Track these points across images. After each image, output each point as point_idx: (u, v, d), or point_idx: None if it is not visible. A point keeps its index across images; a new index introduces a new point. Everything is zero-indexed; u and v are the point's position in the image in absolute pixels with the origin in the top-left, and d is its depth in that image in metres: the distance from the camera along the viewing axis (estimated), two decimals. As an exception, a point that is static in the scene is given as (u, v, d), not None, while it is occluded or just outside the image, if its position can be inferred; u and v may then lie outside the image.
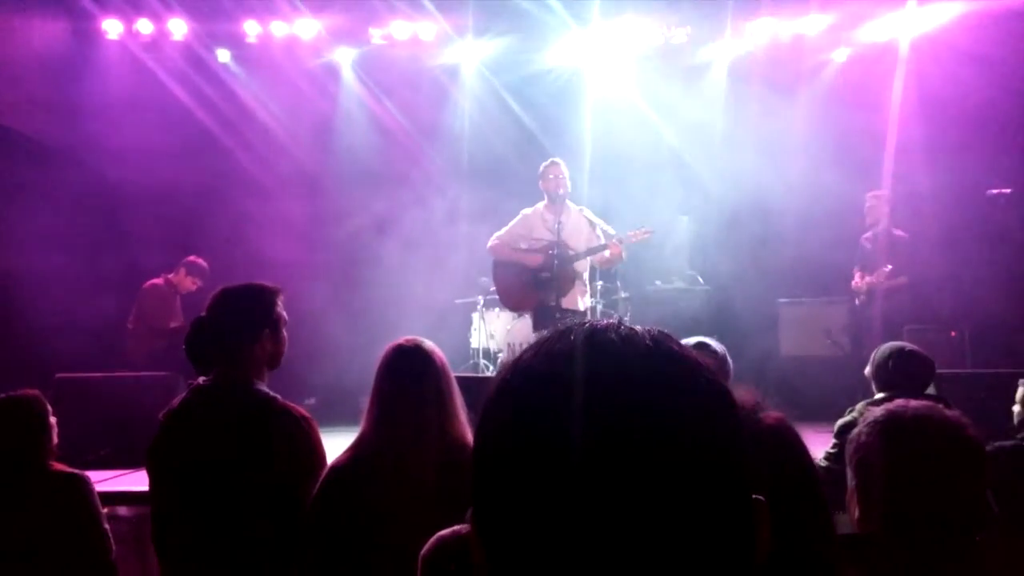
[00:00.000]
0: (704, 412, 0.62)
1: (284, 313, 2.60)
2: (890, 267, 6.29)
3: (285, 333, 2.60)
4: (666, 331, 0.67)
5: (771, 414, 1.23)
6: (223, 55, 7.92)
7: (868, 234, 6.70)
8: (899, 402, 1.59)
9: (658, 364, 0.63)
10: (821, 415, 4.94)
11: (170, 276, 6.65)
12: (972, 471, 1.49)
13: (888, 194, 6.62)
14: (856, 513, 1.56)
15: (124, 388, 5.19)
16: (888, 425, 1.53)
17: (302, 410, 2.48)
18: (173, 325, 6.45)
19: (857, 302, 6.73)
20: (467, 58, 8.04)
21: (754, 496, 0.64)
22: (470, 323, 7.35)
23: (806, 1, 7.24)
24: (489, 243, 5.95)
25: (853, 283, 6.70)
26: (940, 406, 1.57)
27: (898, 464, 1.49)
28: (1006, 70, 6.57)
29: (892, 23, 7.22)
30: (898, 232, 6.50)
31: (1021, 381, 3.00)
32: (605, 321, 0.67)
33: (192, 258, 6.72)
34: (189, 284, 6.64)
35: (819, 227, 7.23)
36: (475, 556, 0.66)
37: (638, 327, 0.67)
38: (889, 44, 7.29)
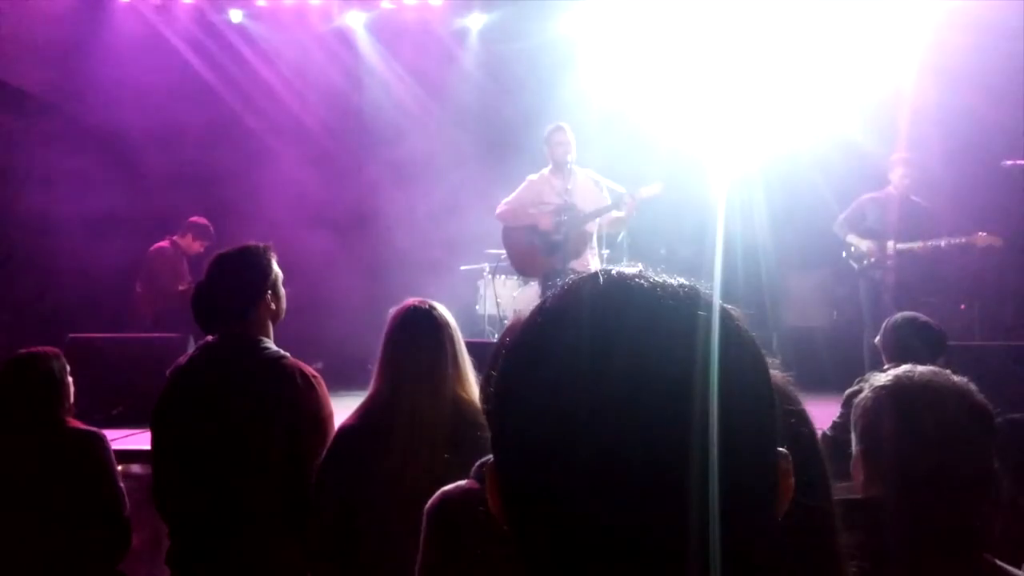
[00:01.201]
0: (738, 359, 0.60)
1: (279, 270, 2.63)
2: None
3: (283, 289, 2.63)
4: (695, 282, 0.65)
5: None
6: (235, 15, 7.85)
7: (875, 195, 6.33)
8: (905, 367, 1.59)
9: (690, 309, 0.61)
10: (826, 386, 4.96)
11: (176, 239, 6.67)
12: (980, 434, 1.48)
13: (915, 157, 6.27)
14: (861, 477, 1.57)
15: (136, 349, 5.24)
16: (895, 389, 1.52)
17: (311, 368, 2.50)
18: (181, 288, 6.48)
19: (863, 263, 6.20)
20: (475, 24, 7.96)
21: (779, 448, 0.63)
22: (476, 291, 7.35)
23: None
24: (498, 210, 5.92)
25: (866, 246, 6.16)
26: (947, 372, 1.56)
27: (904, 428, 1.48)
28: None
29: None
30: (915, 198, 6.20)
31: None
32: (631, 268, 0.65)
33: (197, 219, 6.73)
34: (196, 247, 6.67)
35: (829, 194, 7.18)
36: (492, 505, 0.64)
37: (668, 276, 0.65)
38: (903, 16, 7.16)
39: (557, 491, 0.58)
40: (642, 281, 0.62)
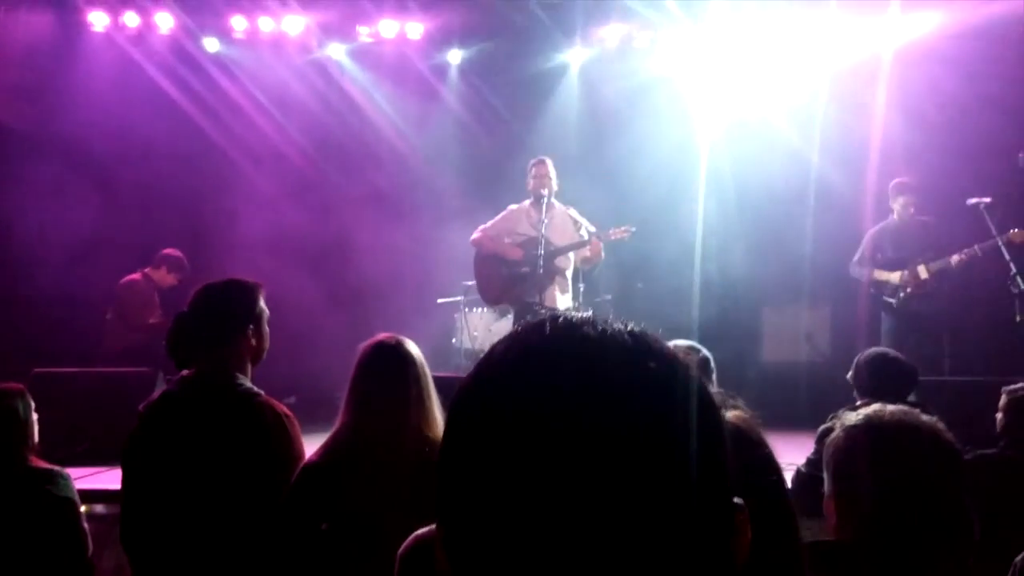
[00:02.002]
0: (685, 411, 0.59)
1: (266, 308, 2.59)
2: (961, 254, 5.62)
3: (267, 329, 2.60)
4: (645, 327, 0.64)
5: (734, 413, 1.22)
6: (211, 45, 7.85)
7: (883, 226, 6.17)
8: (876, 407, 1.60)
9: (637, 360, 0.59)
10: (805, 421, 4.97)
11: (148, 271, 6.56)
12: (949, 476, 1.49)
13: (913, 181, 6.13)
14: (833, 519, 1.56)
15: (102, 384, 5.14)
16: (865, 430, 1.53)
17: (284, 407, 2.47)
18: (152, 321, 6.39)
19: (902, 295, 5.92)
20: (454, 58, 8.04)
21: (734, 499, 0.62)
22: (453, 323, 7.33)
23: (788, 8, 7.27)
24: (473, 235, 5.96)
25: (897, 278, 5.90)
26: (917, 411, 1.57)
27: (875, 469, 1.48)
28: (986, 79, 6.63)
29: (876, 30, 7.26)
30: (924, 218, 6.05)
31: (1004, 390, 3.01)
32: (581, 315, 0.64)
33: (170, 251, 6.62)
34: (169, 279, 6.55)
35: (803, 231, 7.29)
36: (438, 558, 0.62)
37: (616, 322, 0.63)
38: (873, 50, 7.34)
39: (494, 551, 0.56)
40: (589, 330, 0.61)
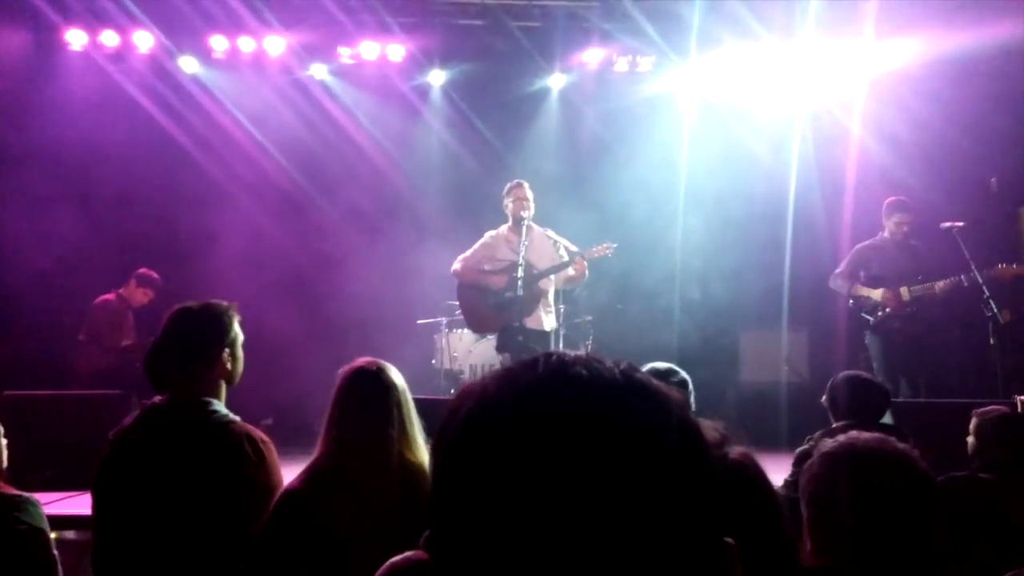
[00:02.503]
0: (675, 451, 0.60)
1: (241, 332, 2.57)
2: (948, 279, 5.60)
3: (242, 352, 2.58)
4: (635, 365, 0.65)
5: (737, 450, 1.23)
6: (191, 65, 7.83)
7: (872, 243, 6.09)
8: (851, 434, 1.62)
9: (628, 400, 0.61)
10: (782, 442, 4.99)
11: (121, 291, 6.49)
12: (923, 503, 1.51)
13: (911, 202, 6.05)
14: (810, 545, 1.57)
15: (74, 407, 5.05)
16: (840, 458, 1.55)
17: (261, 433, 2.44)
18: (125, 343, 6.31)
19: (878, 314, 5.88)
20: (435, 80, 8.07)
21: (725, 539, 0.62)
22: (433, 344, 7.31)
23: (767, 36, 7.39)
24: (453, 266, 5.97)
25: (879, 295, 5.85)
26: (891, 438, 1.59)
27: (851, 496, 1.50)
28: (959, 107, 6.77)
29: (852, 60, 7.39)
30: (914, 242, 6.01)
31: (974, 412, 3.05)
32: (573, 353, 0.65)
33: (142, 270, 6.56)
34: (141, 297, 6.48)
35: (782, 254, 7.37)
36: None
37: (608, 360, 0.65)
38: (849, 78, 7.47)
39: None
40: (580, 370, 0.62)
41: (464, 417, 0.63)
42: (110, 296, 6.46)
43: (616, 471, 0.57)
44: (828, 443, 1.59)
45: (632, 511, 0.56)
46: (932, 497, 1.52)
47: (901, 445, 1.56)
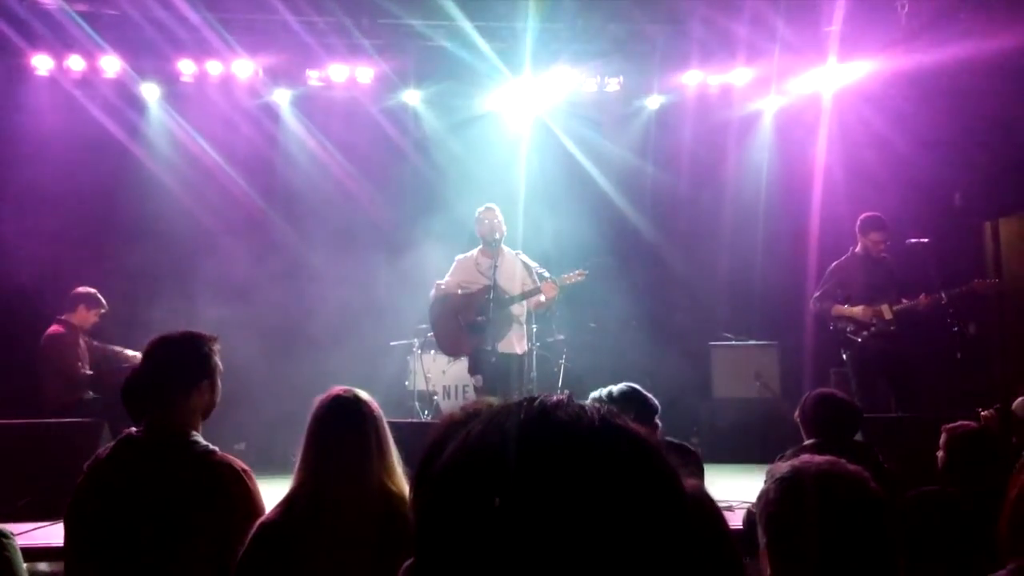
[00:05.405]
0: (652, 496, 0.63)
1: (220, 363, 2.57)
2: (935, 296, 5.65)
3: (220, 383, 2.57)
4: (615, 410, 0.68)
5: (688, 482, 1.26)
6: (156, 91, 7.78)
7: (846, 260, 6.06)
8: (804, 458, 1.66)
9: (606, 445, 0.64)
10: (755, 458, 5.02)
11: (66, 317, 6.16)
12: (875, 524, 1.54)
13: (887, 219, 6.03)
14: (768, 570, 1.60)
15: (46, 435, 4.96)
16: (792, 482, 1.58)
17: (241, 463, 2.43)
18: (87, 372, 6.06)
19: (865, 333, 5.85)
20: (405, 101, 8.08)
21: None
22: (406, 365, 7.29)
23: (732, 56, 7.52)
24: (431, 292, 5.99)
25: (860, 312, 5.83)
26: (842, 461, 1.62)
27: (804, 521, 1.53)
28: (920, 124, 6.92)
29: (815, 77, 7.54)
30: (888, 256, 6.00)
31: (944, 427, 3.09)
32: (555, 398, 0.68)
33: (83, 290, 6.26)
34: (91, 317, 6.21)
35: (751, 270, 7.47)
36: None
37: (587, 404, 0.68)
38: (813, 97, 7.62)
39: None
40: (561, 415, 0.65)
41: (449, 459, 0.66)
42: (58, 328, 6.14)
43: (596, 516, 0.60)
44: (782, 466, 1.63)
45: (613, 555, 0.59)
46: (883, 517, 1.54)
47: (852, 467, 1.59)
